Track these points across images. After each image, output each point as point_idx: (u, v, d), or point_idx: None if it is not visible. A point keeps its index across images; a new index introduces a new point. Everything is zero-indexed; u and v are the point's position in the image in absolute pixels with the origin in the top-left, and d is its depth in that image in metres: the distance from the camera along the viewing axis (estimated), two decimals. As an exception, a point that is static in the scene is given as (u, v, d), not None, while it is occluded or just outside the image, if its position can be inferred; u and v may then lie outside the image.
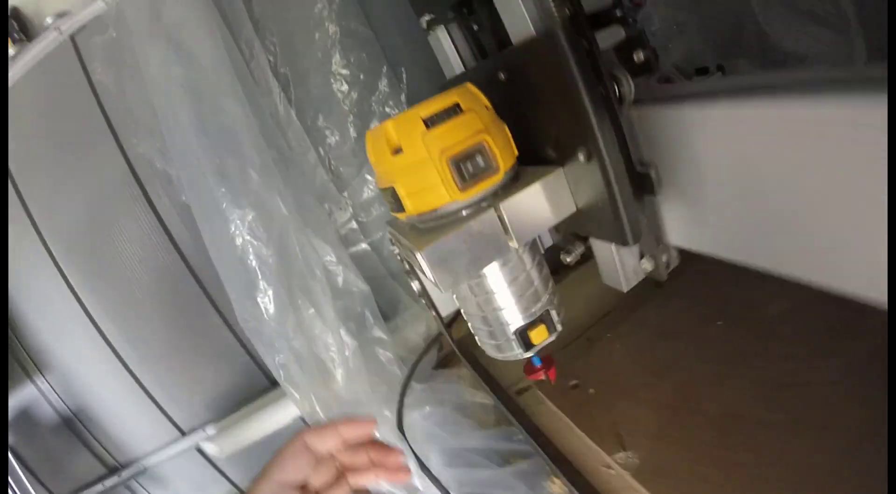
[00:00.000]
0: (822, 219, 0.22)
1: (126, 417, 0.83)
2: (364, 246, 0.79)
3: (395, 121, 0.31)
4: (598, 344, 0.55)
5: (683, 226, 0.32)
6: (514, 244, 0.32)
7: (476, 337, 0.42)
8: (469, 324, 0.41)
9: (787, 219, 0.24)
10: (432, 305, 0.58)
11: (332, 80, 0.73)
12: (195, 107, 0.52)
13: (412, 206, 0.32)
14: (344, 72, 0.71)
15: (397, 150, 0.31)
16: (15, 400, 0.85)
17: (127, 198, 0.74)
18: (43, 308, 0.80)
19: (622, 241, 0.31)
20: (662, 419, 0.41)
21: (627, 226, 0.30)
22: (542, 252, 0.40)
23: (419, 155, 0.30)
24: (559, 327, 0.38)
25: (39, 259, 0.76)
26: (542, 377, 0.44)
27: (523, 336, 0.37)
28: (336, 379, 0.61)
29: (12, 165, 0.74)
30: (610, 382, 0.48)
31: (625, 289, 0.37)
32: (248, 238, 0.55)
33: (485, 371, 0.64)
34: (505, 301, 0.36)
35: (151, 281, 0.78)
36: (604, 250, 0.37)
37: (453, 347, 0.49)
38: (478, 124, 0.31)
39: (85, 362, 0.82)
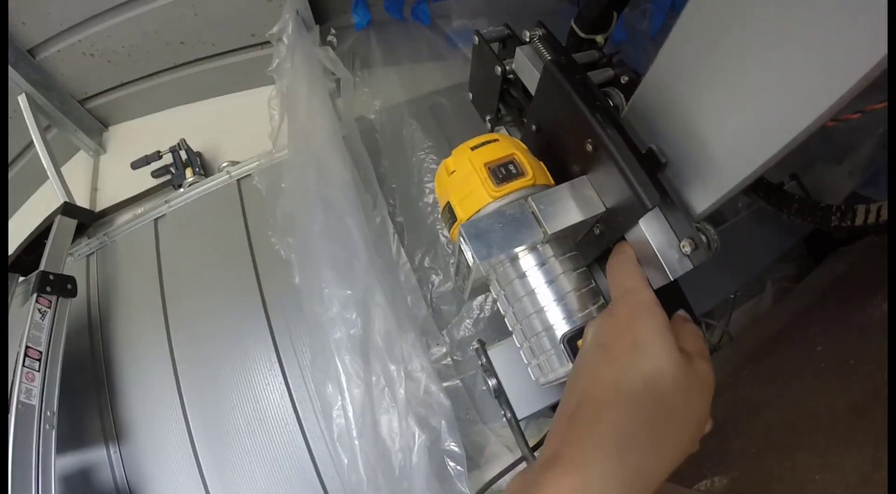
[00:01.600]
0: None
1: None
2: (457, 382, 0.84)
3: (452, 154, 0.42)
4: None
5: (700, 184, 0.35)
6: (544, 230, 0.37)
7: (528, 369, 0.42)
8: (521, 352, 0.42)
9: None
10: (508, 405, 0.58)
11: (437, 227, 0.89)
12: (322, 215, 0.70)
13: (462, 212, 0.40)
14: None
15: (452, 172, 0.41)
16: (82, 457, 0.91)
17: (256, 329, 0.89)
18: (145, 384, 0.92)
19: (643, 205, 0.34)
20: (761, 440, 0.34)
21: (640, 189, 0.34)
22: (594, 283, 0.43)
23: (466, 169, 0.40)
24: None
25: (160, 345, 0.92)
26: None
27: (571, 344, 0.37)
28: (395, 471, 0.59)
29: (166, 272, 0.98)
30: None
31: (672, 277, 0.37)
32: (339, 311, 0.64)
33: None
34: (546, 300, 0.38)
35: (253, 405, 0.88)
36: (644, 248, 0.39)
37: (522, 447, 0.47)
38: (510, 147, 0.41)
39: (164, 449, 0.89)
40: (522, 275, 0.38)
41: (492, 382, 0.58)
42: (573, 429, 0.29)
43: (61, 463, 0.86)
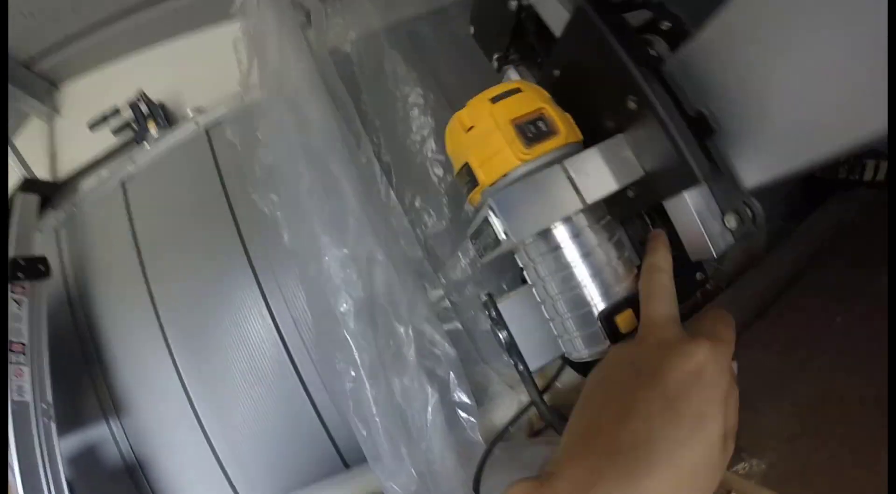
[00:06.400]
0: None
1: (191, 478, 0.86)
2: (457, 325, 0.81)
3: (468, 106, 0.37)
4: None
5: (755, 158, 0.31)
6: (582, 199, 0.33)
7: (560, 342, 0.40)
8: (552, 326, 0.40)
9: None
10: (519, 357, 0.56)
11: (428, 165, 0.83)
12: (308, 168, 0.64)
13: (484, 176, 0.35)
14: (440, 157, 0.80)
15: (469, 129, 0.36)
16: (84, 436, 0.90)
17: (241, 282, 0.85)
18: (136, 352, 0.89)
19: (692, 178, 0.31)
20: (793, 421, 0.34)
21: (692, 160, 0.30)
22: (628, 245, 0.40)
23: (487, 125, 0.35)
24: None
25: (144, 311, 0.88)
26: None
27: (609, 321, 0.35)
28: (412, 433, 0.59)
29: (140, 235, 0.93)
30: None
31: (714, 254, 0.35)
32: (340, 275, 0.61)
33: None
34: (582, 275, 0.35)
35: (248, 359, 0.85)
36: (685, 218, 0.36)
37: (536, 399, 0.46)
38: (537, 100, 0.36)
39: (164, 416, 0.87)
40: (556, 248, 0.35)
41: (503, 335, 0.56)
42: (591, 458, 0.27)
43: (65, 446, 0.83)
